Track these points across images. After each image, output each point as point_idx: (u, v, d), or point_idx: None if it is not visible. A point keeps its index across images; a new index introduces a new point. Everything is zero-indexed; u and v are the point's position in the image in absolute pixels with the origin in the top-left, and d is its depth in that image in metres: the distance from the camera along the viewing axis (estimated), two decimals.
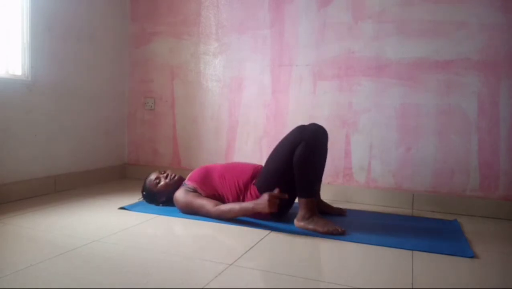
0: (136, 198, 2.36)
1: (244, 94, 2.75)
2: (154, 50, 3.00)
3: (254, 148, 2.73)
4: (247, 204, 1.87)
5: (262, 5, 2.68)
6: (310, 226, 1.83)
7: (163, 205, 2.20)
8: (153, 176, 2.21)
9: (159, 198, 2.19)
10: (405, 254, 1.58)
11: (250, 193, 1.98)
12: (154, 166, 2.97)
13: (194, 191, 2.06)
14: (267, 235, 1.77)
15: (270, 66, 2.67)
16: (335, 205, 2.28)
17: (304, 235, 1.78)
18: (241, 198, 2.01)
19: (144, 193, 2.22)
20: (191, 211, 2.02)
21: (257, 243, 1.66)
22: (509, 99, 2.20)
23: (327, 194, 2.53)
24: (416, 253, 1.59)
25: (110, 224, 1.86)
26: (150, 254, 1.51)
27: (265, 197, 1.79)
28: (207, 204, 1.97)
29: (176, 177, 2.20)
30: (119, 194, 2.50)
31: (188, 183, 2.11)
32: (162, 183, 2.18)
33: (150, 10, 3.00)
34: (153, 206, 2.19)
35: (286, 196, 1.82)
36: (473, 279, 1.39)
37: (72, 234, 1.69)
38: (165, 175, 2.21)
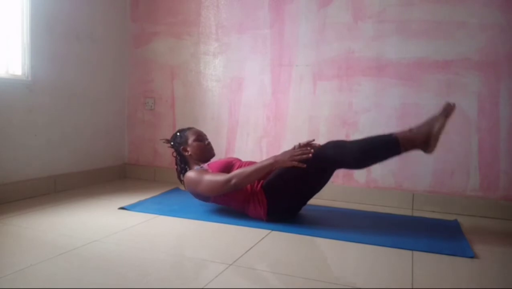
0: (136, 198, 2.36)
1: (244, 94, 2.75)
2: (154, 50, 3.00)
3: (254, 148, 2.72)
4: (266, 160, 1.88)
5: (262, 5, 2.68)
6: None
7: (180, 163, 2.19)
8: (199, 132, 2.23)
9: (187, 145, 2.15)
10: (405, 254, 1.58)
11: (258, 198, 1.94)
12: (154, 166, 2.98)
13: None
14: (267, 235, 1.77)
15: (270, 66, 2.67)
16: (334, 205, 2.27)
17: (304, 235, 1.78)
18: (246, 199, 1.97)
19: (179, 133, 2.21)
20: (201, 190, 1.95)
21: (257, 243, 1.66)
22: (509, 99, 2.20)
23: (327, 194, 2.53)
24: (416, 253, 1.59)
25: (110, 224, 1.86)
26: (150, 254, 1.51)
27: (288, 152, 1.85)
28: (219, 175, 1.92)
29: (212, 150, 2.21)
30: (119, 194, 2.50)
31: (204, 166, 2.08)
32: (202, 142, 2.17)
33: (150, 10, 3.00)
34: (153, 206, 2.18)
35: (310, 154, 1.80)
36: (473, 279, 1.39)
37: (72, 234, 1.69)
38: (207, 142, 2.21)
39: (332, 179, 2.53)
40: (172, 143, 2.22)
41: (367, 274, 1.40)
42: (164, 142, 2.29)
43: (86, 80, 2.72)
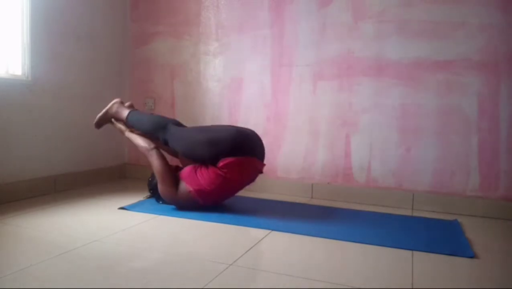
0: (136, 198, 2.37)
1: (244, 94, 2.75)
2: (154, 50, 3.00)
3: None
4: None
5: (262, 5, 2.68)
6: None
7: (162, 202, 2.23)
8: None
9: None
10: (405, 254, 1.58)
11: (222, 167, 2.02)
12: None
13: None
14: (267, 235, 1.77)
15: (270, 66, 2.67)
16: (334, 205, 2.27)
17: (304, 235, 1.78)
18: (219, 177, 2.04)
19: (150, 179, 2.30)
20: (162, 180, 2.10)
21: (257, 243, 1.66)
22: (509, 99, 2.20)
23: (327, 194, 2.54)
24: (416, 253, 1.59)
25: (110, 224, 1.86)
26: (150, 254, 1.51)
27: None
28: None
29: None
30: (119, 194, 2.50)
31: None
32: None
33: (150, 10, 3.00)
34: (153, 206, 2.19)
35: None
36: (473, 279, 1.39)
37: (72, 234, 1.70)
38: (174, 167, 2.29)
39: (331, 179, 2.55)
40: (151, 190, 2.29)
41: (367, 274, 1.40)
42: (148, 197, 2.36)
43: (86, 80, 2.72)
